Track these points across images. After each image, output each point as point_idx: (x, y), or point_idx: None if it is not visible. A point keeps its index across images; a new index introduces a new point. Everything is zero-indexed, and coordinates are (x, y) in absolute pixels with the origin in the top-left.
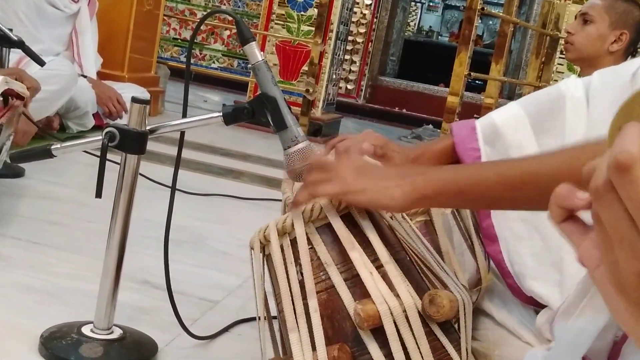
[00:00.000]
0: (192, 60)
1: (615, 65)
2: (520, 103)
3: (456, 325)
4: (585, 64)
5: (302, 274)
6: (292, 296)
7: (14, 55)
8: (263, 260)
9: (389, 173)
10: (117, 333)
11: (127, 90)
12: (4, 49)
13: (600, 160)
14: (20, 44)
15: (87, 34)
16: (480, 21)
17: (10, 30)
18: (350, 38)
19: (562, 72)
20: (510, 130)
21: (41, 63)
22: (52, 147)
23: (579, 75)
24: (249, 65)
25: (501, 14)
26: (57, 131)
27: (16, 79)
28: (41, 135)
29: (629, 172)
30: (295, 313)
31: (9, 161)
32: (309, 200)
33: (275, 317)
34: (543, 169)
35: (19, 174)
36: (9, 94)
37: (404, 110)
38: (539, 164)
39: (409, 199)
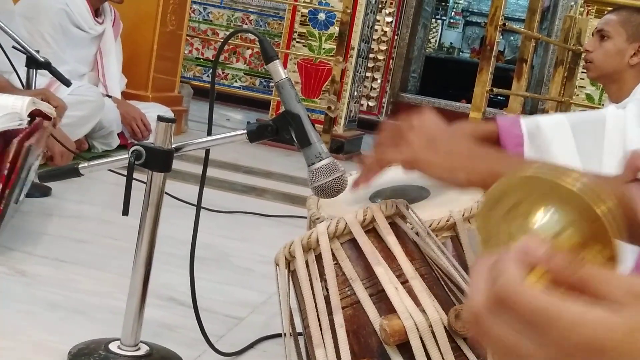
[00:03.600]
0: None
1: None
2: (564, 114)
3: None
4: (607, 81)
5: (327, 289)
6: (317, 312)
7: (43, 80)
8: (288, 276)
9: (457, 151)
10: (143, 350)
11: (151, 110)
12: (31, 70)
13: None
14: (46, 65)
15: (111, 55)
16: (501, 37)
17: (37, 51)
18: (371, 55)
19: (584, 87)
20: (550, 128)
21: (67, 83)
22: (80, 165)
23: (602, 91)
24: (272, 83)
25: (522, 29)
26: (83, 151)
27: (42, 100)
28: (73, 157)
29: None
30: (321, 329)
31: (37, 180)
32: (376, 164)
33: (300, 333)
34: None
35: (46, 193)
36: (36, 114)
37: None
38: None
39: (470, 183)
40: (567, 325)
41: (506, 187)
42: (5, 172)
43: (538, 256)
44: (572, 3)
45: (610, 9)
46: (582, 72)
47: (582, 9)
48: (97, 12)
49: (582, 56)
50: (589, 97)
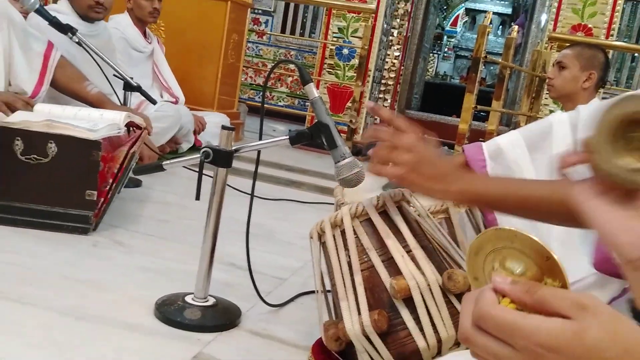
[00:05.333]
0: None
1: (596, 100)
2: (519, 130)
3: None
4: (565, 100)
5: (349, 257)
6: (342, 274)
7: (135, 100)
8: (320, 247)
9: (437, 175)
10: (211, 301)
11: (212, 116)
12: (127, 92)
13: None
14: (138, 88)
15: (165, 66)
16: (483, 67)
17: (132, 78)
18: (383, 81)
19: (548, 104)
20: (509, 148)
21: (154, 102)
22: (163, 163)
23: (562, 108)
24: (308, 102)
25: (500, 60)
26: (165, 153)
27: None
28: (158, 158)
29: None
30: (344, 286)
31: (131, 174)
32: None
33: (329, 290)
34: (554, 196)
35: (138, 184)
36: (131, 125)
37: (426, 136)
38: (551, 192)
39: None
40: (528, 332)
41: (484, 238)
42: (115, 170)
43: (505, 286)
44: (539, 40)
45: (568, 44)
46: (546, 94)
47: (546, 45)
48: (145, 34)
49: (546, 81)
50: (552, 112)
